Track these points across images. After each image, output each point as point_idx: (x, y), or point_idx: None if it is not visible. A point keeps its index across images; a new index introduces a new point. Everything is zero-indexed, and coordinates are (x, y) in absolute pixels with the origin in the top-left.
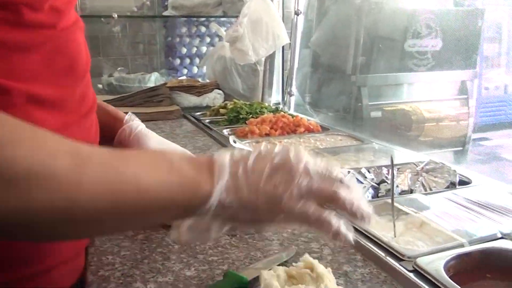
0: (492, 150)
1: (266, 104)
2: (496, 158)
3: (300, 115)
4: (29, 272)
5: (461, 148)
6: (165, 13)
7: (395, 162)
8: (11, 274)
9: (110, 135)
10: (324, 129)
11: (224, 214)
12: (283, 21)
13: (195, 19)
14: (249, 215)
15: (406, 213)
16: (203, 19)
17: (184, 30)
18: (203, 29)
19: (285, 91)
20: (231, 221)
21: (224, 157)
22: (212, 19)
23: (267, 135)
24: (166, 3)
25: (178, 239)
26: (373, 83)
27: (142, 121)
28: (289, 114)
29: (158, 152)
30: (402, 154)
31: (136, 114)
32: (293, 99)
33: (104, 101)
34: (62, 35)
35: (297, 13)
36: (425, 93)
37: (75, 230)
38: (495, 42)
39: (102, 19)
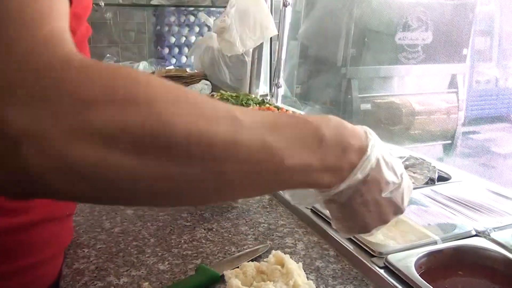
0: (481, 144)
1: (253, 96)
2: (485, 151)
3: (287, 107)
4: (11, 268)
5: (450, 142)
6: (153, 2)
7: None
8: None
9: None
10: None
11: (333, 199)
12: (272, 12)
13: (184, 8)
14: (344, 215)
15: None
16: (192, 8)
17: (173, 19)
18: (192, 18)
19: (273, 82)
20: (328, 205)
21: (373, 155)
22: (201, 8)
23: None
24: None
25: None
26: (364, 75)
27: None
28: (275, 107)
29: (312, 126)
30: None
31: None
32: (280, 90)
33: None
34: (78, 41)
35: (285, 5)
36: (416, 86)
37: (220, 196)
38: (486, 36)
39: (93, 4)
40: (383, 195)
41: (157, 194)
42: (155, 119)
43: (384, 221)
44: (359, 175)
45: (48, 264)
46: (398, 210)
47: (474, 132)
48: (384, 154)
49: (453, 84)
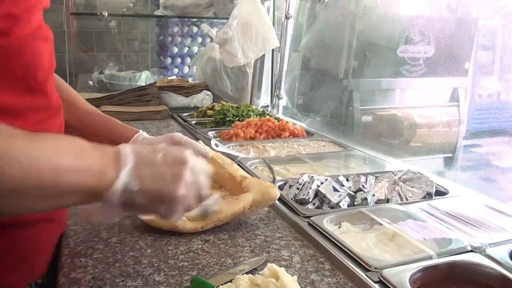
0: (482, 157)
1: (254, 107)
2: (486, 165)
3: (287, 119)
4: None
5: (451, 155)
6: (157, 12)
7: (378, 170)
8: None
9: None
10: (309, 134)
11: (126, 198)
12: (274, 24)
13: (187, 19)
14: (145, 200)
15: (380, 224)
16: (195, 19)
17: (176, 29)
18: (195, 29)
19: (274, 94)
20: (130, 206)
21: (127, 149)
22: (204, 20)
23: (252, 138)
24: (158, 2)
25: (86, 217)
26: (365, 87)
27: (130, 120)
28: (275, 118)
29: (73, 139)
30: (384, 162)
31: (124, 113)
32: (281, 102)
33: (93, 99)
34: (16, 43)
35: (287, 17)
36: (417, 99)
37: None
38: (488, 50)
39: (97, 13)
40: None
41: None
42: None
43: (177, 177)
44: (127, 163)
45: (20, 267)
46: (178, 160)
47: (475, 146)
48: (136, 145)
49: (454, 97)
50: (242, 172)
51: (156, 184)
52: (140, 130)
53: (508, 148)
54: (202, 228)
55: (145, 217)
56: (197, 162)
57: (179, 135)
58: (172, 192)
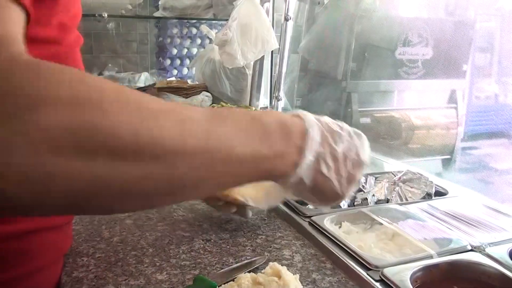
0: (480, 159)
1: (253, 108)
2: (484, 167)
3: None
4: (10, 275)
5: (449, 157)
6: (156, 14)
7: (377, 171)
8: None
9: None
10: None
11: (298, 187)
12: (273, 26)
13: (186, 20)
14: (312, 194)
15: (380, 224)
16: (194, 20)
17: (175, 31)
18: (194, 30)
19: (273, 95)
20: (298, 193)
21: (315, 132)
22: (203, 21)
23: None
24: (157, 4)
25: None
26: (364, 89)
27: None
28: None
29: (254, 117)
30: (383, 163)
31: None
32: (280, 103)
33: None
34: (66, 50)
35: (286, 19)
36: (415, 101)
37: (173, 195)
38: (486, 52)
39: (96, 15)
40: (339, 150)
41: (111, 197)
42: (101, 120)
43: (351, 180)
44: (309, 156)
45: (45, 271)
46: (359, 163)
47: (473, 148)
48: (324, 126)
49: (452, 99)
50: None
51: (330, 183)
52: None
53: (505, 150)
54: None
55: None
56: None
57: None
58: (343, 193)
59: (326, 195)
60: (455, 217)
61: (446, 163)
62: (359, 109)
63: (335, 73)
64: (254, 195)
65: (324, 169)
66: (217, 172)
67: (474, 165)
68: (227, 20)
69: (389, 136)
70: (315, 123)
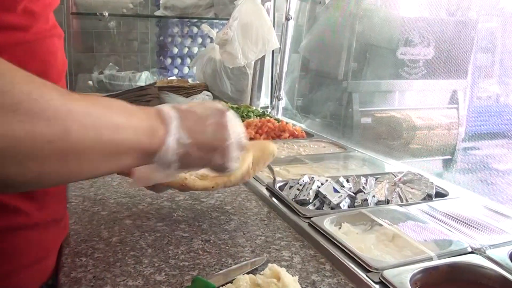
0: (481, 160)
1: (254, 108)
2: (485, 167)
3: (287, 120)
4: None
5: (450, 157)
6: (157, 13)
7: (377, 172)
8: None
9: None
10: (308, 135)
11: (180, 153)
12: (274, 26)
13: (187, 19)
14: (199, 152)
15: (380, 225)
16: (195, 20)
17: (176, 30)
18: (195, 29)
19: (274, 95)
20: (184, 161)
21: (166, 107)
22: (204, 20)
23: (252, 139)
24: (158, 3)
25: (143, 182)
26: (365, 89)
27: None
28: (275, 119)
29: (118, 101)
30: (384, 163)
31: None
32: (281, 103)
33: None
34: (35, 38)
35: (287, 18)
36: (416, 101)
37: (61, 166)
38: (488, 52)
39: (97, 14)
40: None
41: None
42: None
43: (221, 126)
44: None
45: (31, 269)
46: (219, 111)
47: (474, 148)
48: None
49: (453, 99)
50: None
51: (205, 135)
52: None
53: (506, 151)
54: (212, 187)
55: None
56: (231, 112)
57: None
58: (222, 140)
59: (212, 146)
60: (456, 218)
61: (447, 163)
62: (360, 109)
63: (336, 73)
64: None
65: (190, 124)
66: (105, 142)
67: (475, 165)
68: (228, 19)
69: (390, 136)
70: (163, 104)
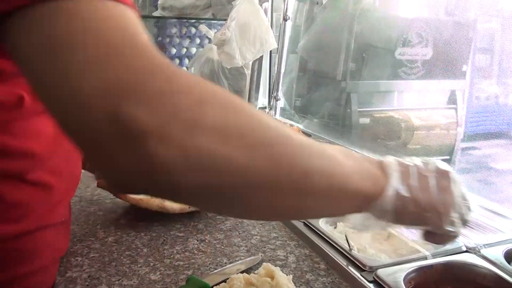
0: (480, 160)
1: None
2: (483, 167)
3: (285, 120)
4: (9, 276)
5: (448, 157)
6: (155, 13)
7: None
8: None
9: None
10: (306, 135)
11: (397, 205)
12: (272, 26)
13: (185, 20)
14: (416, 209)
15: None
16: (193, 20)
17: (174, 30)
18: (193, 30)
19: (272, 95)
20: (400, 214)
21: (390, 158)
22: (203, 21)
23: None
24: (156, 3)
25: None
26: (363, 89)
27: None
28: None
29: (341, 147)
30: None
31: None
32: (279, 103)
33: None
34: None
35: (285, 19)
36: (415, 101)
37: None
38: (487, 53)
39: None
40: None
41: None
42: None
43: (444, 188)
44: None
45: (45, 271)
46: (445, 172)
47: (472, 148)
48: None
49: (452, 100)
50: None
51: (425, 193)
52: None
53: (505, 151)
54: (189, 207)
55: (133, 196)
56: (454, 173)
57: None
58: (445, 204)
59: (431, 205)
60: None
61: (446, 163)
62: (359, 109)
63: (334, 73)
64: None
65: (411, 180)
66: (320, 189)
67: (474, 165)
68: (226, 20)
69: (388, 136)
70: (389, 157)
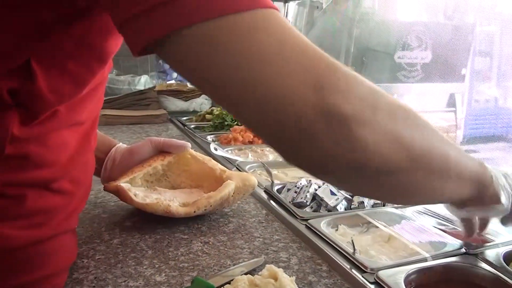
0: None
1: None
2: None
3: None
4: (24, 280)
5: None
6: None
7: None
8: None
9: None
10: None
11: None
12: None
13: None
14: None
15: (376, 227)
16: None
17: None
18: None
19: None
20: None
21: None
22: None
23: (250, 142)
24: None
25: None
26: None
27: (129, 124)
28: None
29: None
30: None
31: (124, 117)
32: None
33: None
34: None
35: None
36: (414, 104)
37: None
38: (486, 56)
39: None
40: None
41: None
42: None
43: None
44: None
45: (58, 276)
46: None
47: (472, 151)
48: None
49: (451, 103)
50: (221, 166)
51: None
52: (120, 143)
53: (504, 154)
54: (194, 212)
55: (139, 201)
56: None
57: (156, 138)
58: None
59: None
60: (451, 220)
61: None
62: None
63: None
64: None
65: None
66: (450, 170)
67: None
68: None
69: None
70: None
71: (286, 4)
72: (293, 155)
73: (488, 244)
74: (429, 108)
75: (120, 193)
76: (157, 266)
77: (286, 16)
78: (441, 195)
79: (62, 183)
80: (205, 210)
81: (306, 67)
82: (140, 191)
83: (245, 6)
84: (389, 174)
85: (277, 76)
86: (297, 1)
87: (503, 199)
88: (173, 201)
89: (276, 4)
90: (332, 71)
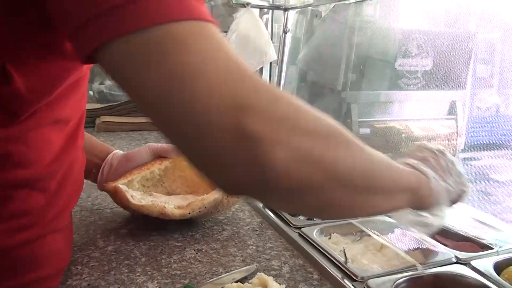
0: (480, 170)
1: None
2: (483, 178)
3: None
4: (16, 284)
5: None
6: None
7: None
8: None
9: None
10: None
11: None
12: (272, 38)
13: None
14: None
15: (369, 235)
16: None
17: None
18: None
19: None
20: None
21: (411, 161)
22: None
23: None
24: None
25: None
26: (364, 100)
27: (130, 130)
28: None
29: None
30: None
31: (124, 123)
32: None
33: (93, 109)
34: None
35: (285, 31)
36: (415, 112)
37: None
38: (487, 63)
39: None
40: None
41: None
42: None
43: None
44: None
45: (52, 280)
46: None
47: (473, 159)
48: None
49: (452, 110)
50: None
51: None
52: (117, 150)
53: (506, 162)
54: (189, 213)
55: (135, 202)
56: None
57: (154, 144)
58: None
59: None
60: (443, 229)
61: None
62: (359, 119)
63: (334, 84)
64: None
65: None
66: (382, 183)
67: (474, 176)
68: (226, 32)
69: (388, 146)
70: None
71: (286, 12)
72: (208, 175)
73: (479, 253)
74: (430, 116)
75: (117, 194)
76: (149, 273)
77: (286, 24)
78: (372, 209)
79: (48, 182)
80: (199, 211)
81: (228, 87)
82: (137, 194)
83: (176, 16)
84: (304, 193)
85: (196, 95)
86: (296, 10)
87: (442, 196)
88: (168, 203)
89: (275, 12)
90: (253, 91)
